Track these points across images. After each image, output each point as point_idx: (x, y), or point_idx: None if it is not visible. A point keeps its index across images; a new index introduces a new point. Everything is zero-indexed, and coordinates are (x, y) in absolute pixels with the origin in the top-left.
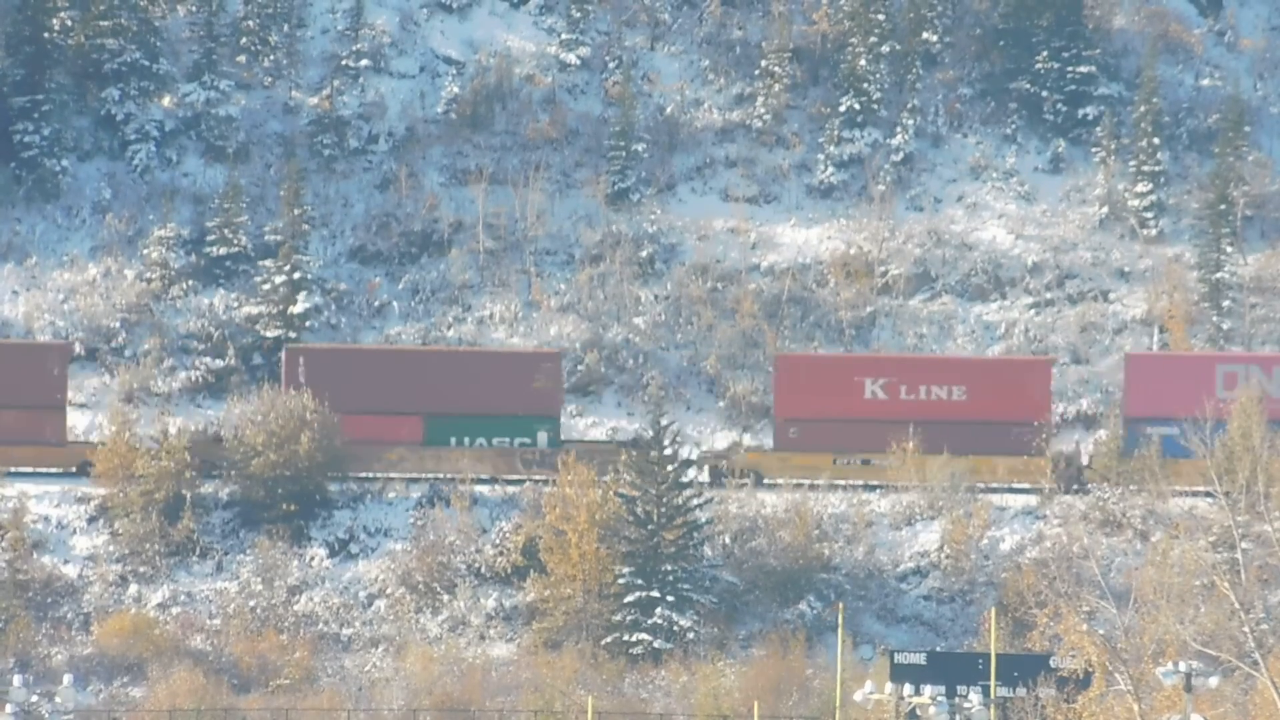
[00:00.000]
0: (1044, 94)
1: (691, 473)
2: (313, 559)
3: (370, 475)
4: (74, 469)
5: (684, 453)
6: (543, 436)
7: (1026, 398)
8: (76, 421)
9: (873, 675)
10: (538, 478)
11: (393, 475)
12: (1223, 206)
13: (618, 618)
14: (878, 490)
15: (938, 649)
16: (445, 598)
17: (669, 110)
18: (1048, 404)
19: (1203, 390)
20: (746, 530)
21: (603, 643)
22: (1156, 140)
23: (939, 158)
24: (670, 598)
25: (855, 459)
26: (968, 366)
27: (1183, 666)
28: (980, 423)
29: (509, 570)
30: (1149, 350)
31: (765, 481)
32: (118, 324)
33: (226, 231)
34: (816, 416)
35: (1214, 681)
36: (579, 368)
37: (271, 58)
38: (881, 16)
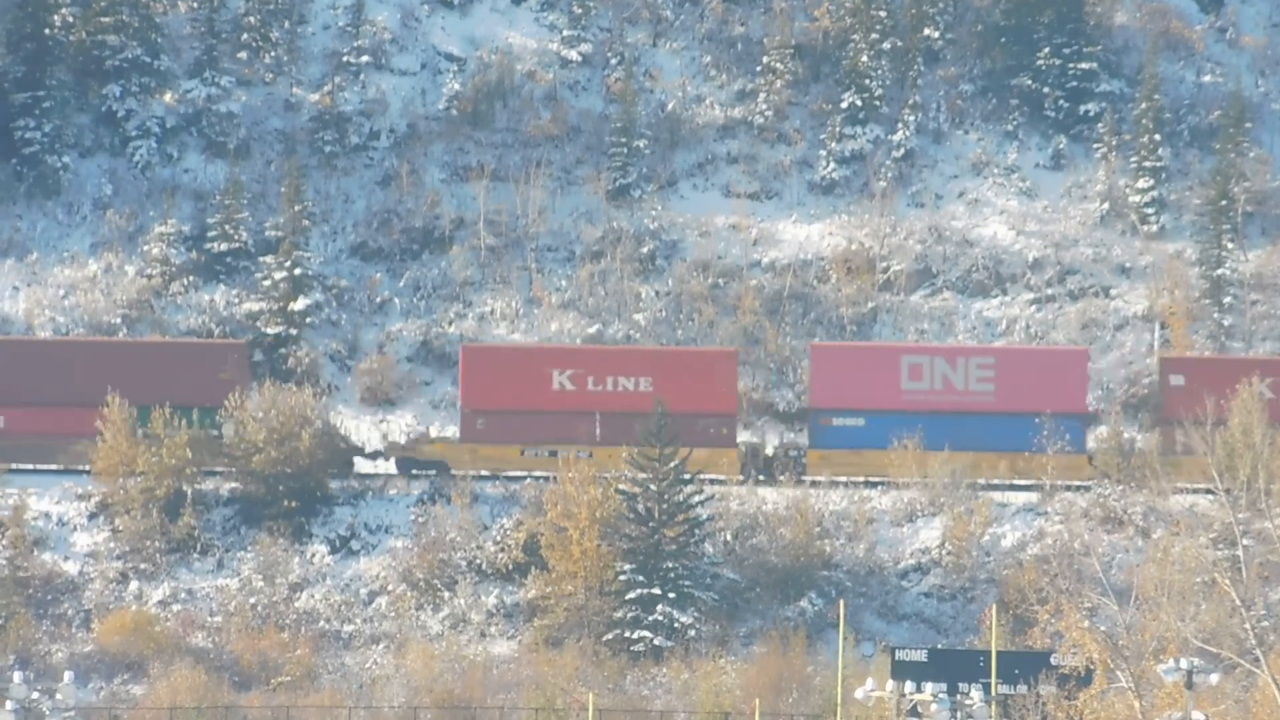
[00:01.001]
0: (1045, 90)
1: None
2: (314, 556)
3: (370, 473)
4: None
5: (370, 444)
6: (229, 428)
7: (713, 389)
8: None
9: (874, 673)
10: (219, 469)
11: (391, 473)
12: (1224, 203)
13: (619, 615)
14: (878, 487)
15: (939, 646)
16: (446, 595)
17: (670, 107)
18: (734, 395)
19: (888, 382)
20: (747, 527)
21: (604, 640)
22: (1158, 137)
23: (940, 154)
24: (671, 595)
25: (544, 450)
26: (653, 357)
27: (1184, 664)
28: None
29: (510, 567)
30: (827, 342)
31: (453, 473)
32: (118, 320)
33: (227, 228)
34: (504, 408)
35: (1215, 679)
36: None
37: (272, 54)
38: (883, 13)
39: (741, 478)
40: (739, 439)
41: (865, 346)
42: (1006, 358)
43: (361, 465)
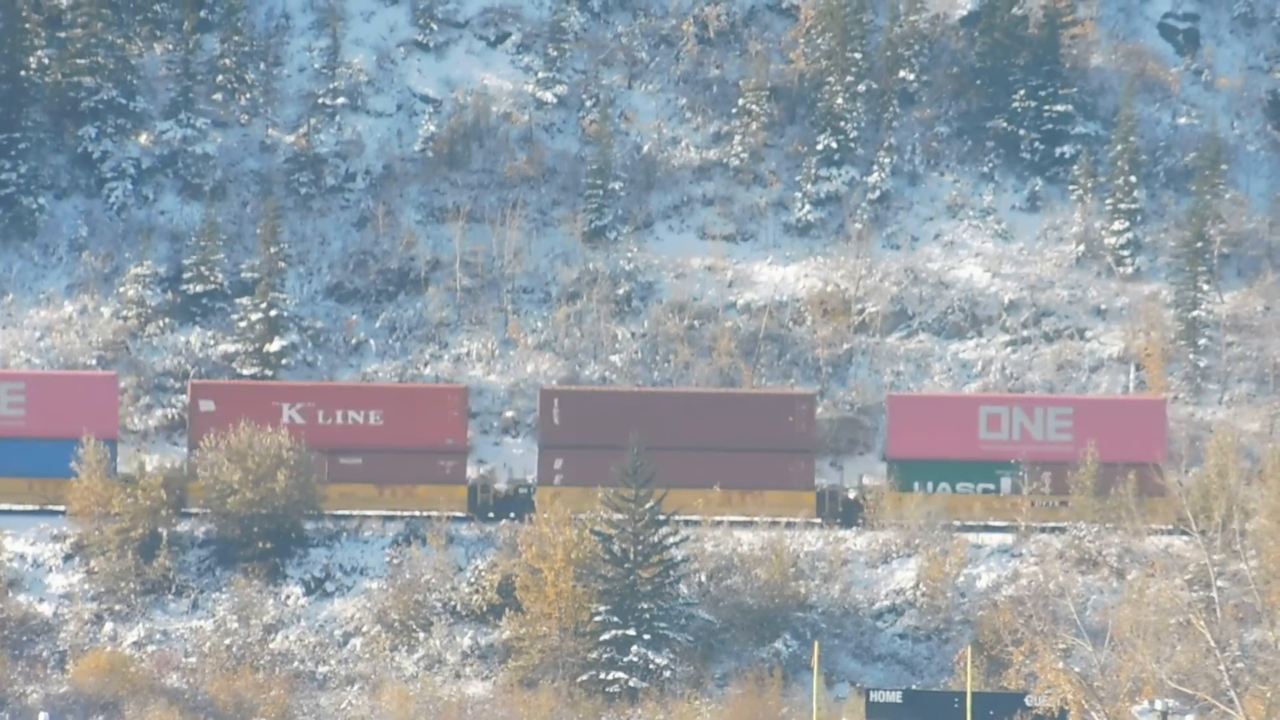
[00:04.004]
0: (1021, 132)
1: None
2: (289, 597)
3: (347, 513)
4: None
5: None
6: None
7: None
8: None
9: (848, 713)
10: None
11: (369, 513)
12: (1199, 244)
13: (594, 656)
14: (854, 528)
15: (914, 687)
16: (421, 636)
17: (646, 148)
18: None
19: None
20: (722, 568)
21: (579, 681)
22: (1133, 178)
23: (916, 196)
24: (646, 636)
25: None
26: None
27: (1159, 705)
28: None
29: (485, 608)
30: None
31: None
32: (94, 362)
33: (203, 269)
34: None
35: None
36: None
37: (248, 96)
38: (858, 55)
39: None
40: None
41: None
42: (34, 382)
43: None
